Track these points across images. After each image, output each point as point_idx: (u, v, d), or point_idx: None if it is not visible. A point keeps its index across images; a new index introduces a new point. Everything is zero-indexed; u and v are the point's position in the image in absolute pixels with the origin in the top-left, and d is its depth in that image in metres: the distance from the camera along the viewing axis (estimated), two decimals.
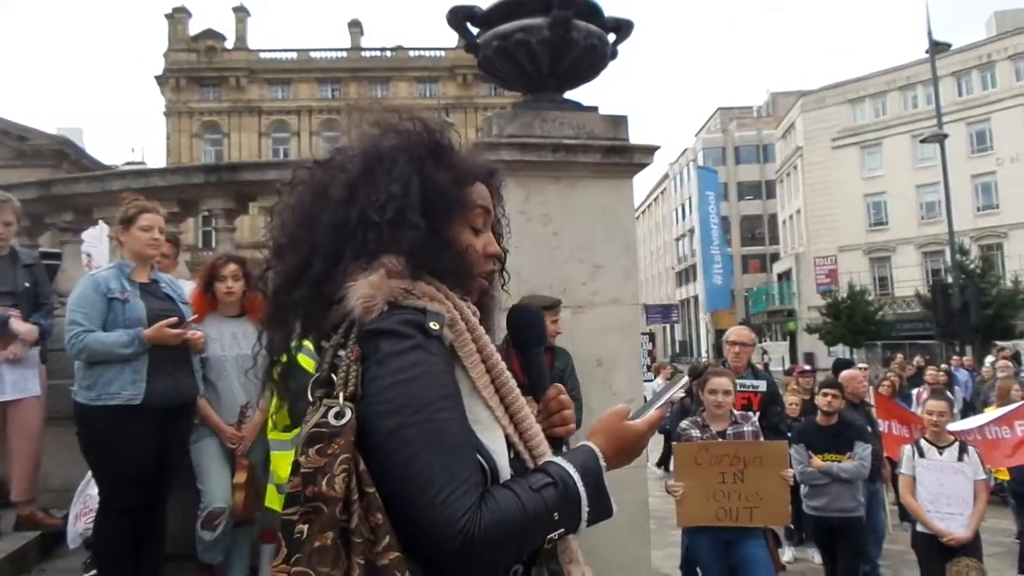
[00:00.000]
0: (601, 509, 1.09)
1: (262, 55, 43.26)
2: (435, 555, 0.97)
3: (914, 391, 9.42)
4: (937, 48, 21.17)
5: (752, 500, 3.70)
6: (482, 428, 1.09)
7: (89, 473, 3.60)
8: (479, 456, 1.06)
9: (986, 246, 37.24)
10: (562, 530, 1.06)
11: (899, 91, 42.17)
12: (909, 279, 38.34)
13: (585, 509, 1.07)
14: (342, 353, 1.07)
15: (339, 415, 1.01)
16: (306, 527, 0.96)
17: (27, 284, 3.93)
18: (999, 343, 20.43)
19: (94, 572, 3.52)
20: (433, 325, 1.06)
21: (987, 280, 28.74)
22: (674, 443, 4.00)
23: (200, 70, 41.86)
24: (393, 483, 0.99)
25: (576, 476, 1.07)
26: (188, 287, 4.15)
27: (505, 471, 1.08)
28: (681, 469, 3.87)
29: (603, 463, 1.12)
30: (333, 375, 1.06)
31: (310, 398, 1.08)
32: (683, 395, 6.18)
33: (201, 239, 33.10)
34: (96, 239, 7.70)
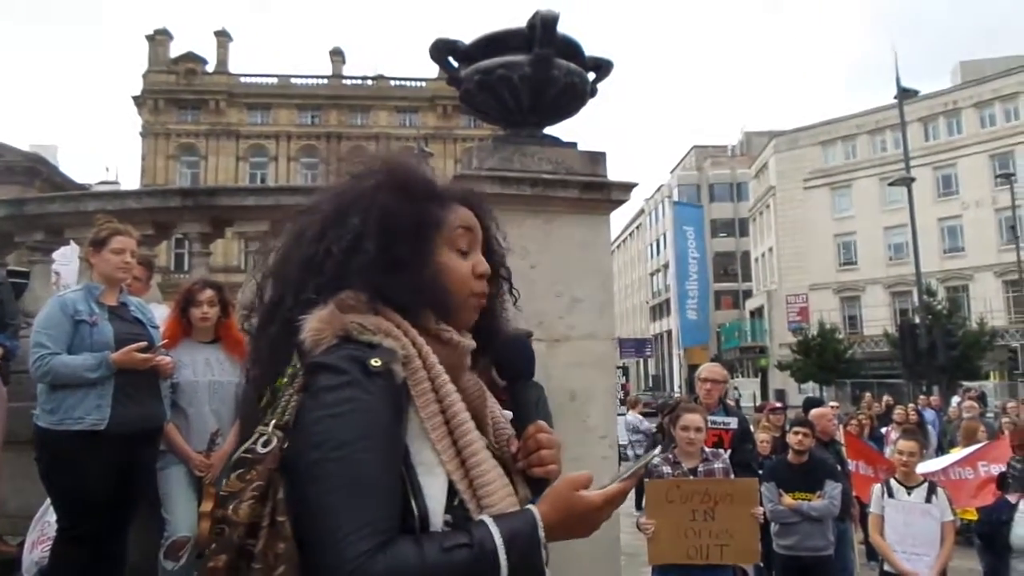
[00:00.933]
0: None
1: (243, 79, 43.23)
2: None
3: (883, 429, 9.53)
4: (905, 94, 21.88)
5: (723, 538, 3.70)
6: (425, 471, 1.07)
7: (48, 500, 3.50)
8: (413, 500, 1.04)
9: (952, 288, 38.06)
10: None
11: (868, 135, 43.34)
12: (878, 318, 39.02)
13: None
14: (295, 383, 1.09)
15: (265, 442, 1.03)
16: (213, 546, 0.99)
17: None
18: (965, 383, 20.82)
19: None
20: (374, 362, 1.05)
21: (953, 321, 29.31)
22: (646, 480, 4.00)
23: (179, 92, 41.69)
24: (303, 515, 0.99)
25: (499, 542, 1.00)
26: (160, 311, 4.10)
27: (437, 518, 1.05)
28: (652, 506, 3.86)
29: (542, 533, 1.05)
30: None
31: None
32: (654, 431, 6.19)
33: (174, 261, 32.71)
34: (66, 258, 7.58)
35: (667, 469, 3.99)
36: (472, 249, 1.23)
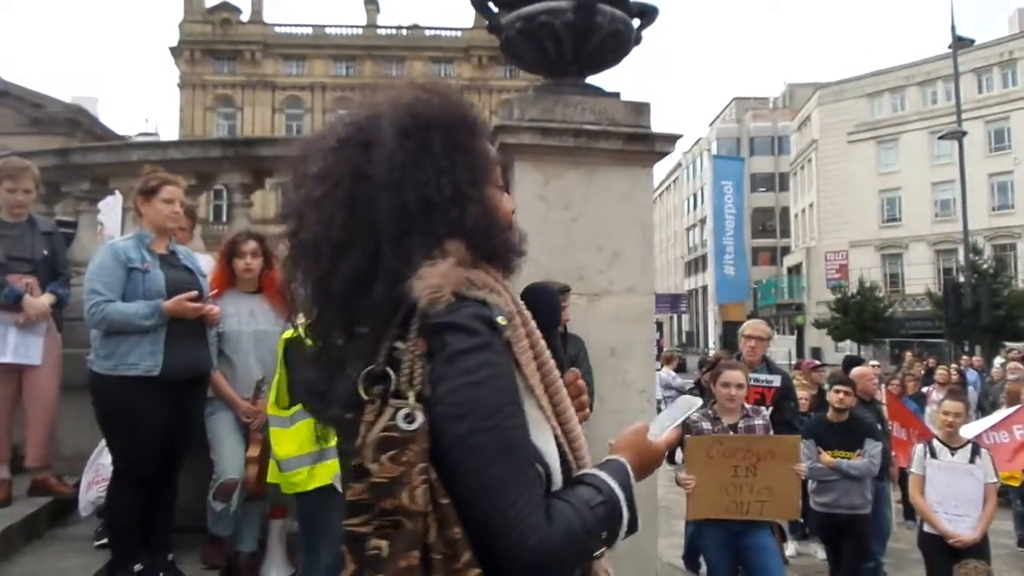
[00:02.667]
0: (634, 525, 1.06)
1: (277, 30, 43.05)
2: (506, 570, 0.92)
3: (924, 389, 9.39)
4: (960, 44, 20.91)
5: (763, 494, 3.70)
6: (534, 428, 1.01)
7: (103, 442, 3.62)
8: (537, 459, 1.01)
9: (1000, 246, 36.95)
10: (605, 546, 1.03)
11: (918, 86, 41.69)
12: (920, 277, 38.13)
13: (625, 527, 1.04)
14: (401, 346, 0.98)
15: (409, 418, 0.93)
16: (386, 543, 0.90)
17: (45, 252, 3.93)
18: (1008, 344, 20.34)
19: (105, 540, 3.56)
20: (500, 320, 0.99)
21: (999, 280, 28.53)
22: (687, 436, 3.99)
23: (215, 43, 41.70)
24: (463, 494, 0.92)
25: (621, 495, 1.04)
26: (205, 260, 4.16)
27: (558, 476, 1.03)
28: (694, 462, 3.86)
29: (633, 479, 1.10)
30: (390, 370, 0.97)
31: (363, 394, 0.97)
32: (691, 387, 6.17)
33: (212, 212, 33.19)
34: (108, 208, 7.71)
35: (707, 425, 3.97)
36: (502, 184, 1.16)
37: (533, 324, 1.09)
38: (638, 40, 4.44)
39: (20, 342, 3.76)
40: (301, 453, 3.10)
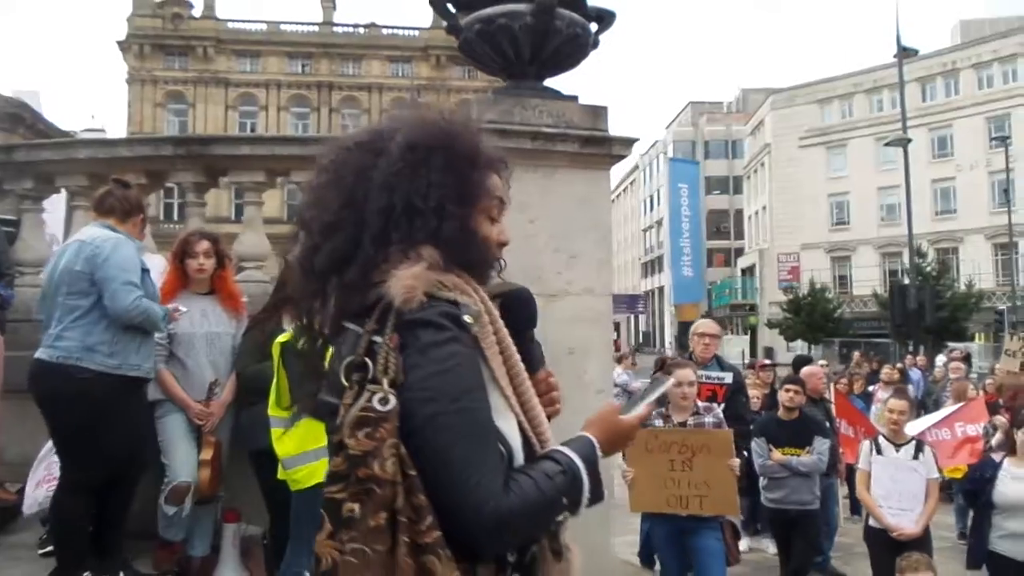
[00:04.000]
0: (597, 494, 1.19)
1: (231, 25, 42.20)
2: (466, 534, 1.05)
3: (871, 388, 9.68)
4: (905, 53, 21.61)
5: (701, 488, 3.77)
6: (498, 415, 1.15)
7: (49, 442, 3.52)
8: (499, 441, 1.14)
9: (942, 249, 38.24)
10: (567, 512, 1.16)
11: (865, 94, 42.93)
12: (867, 279, 39.23)
13: (587, 494, 1.17)
14: (378, 339, 1.11)
15: (384, 401, 1.06)
16: (358, 506, 1.02)
17: None
18: (951, 344, 21.07)
19: (49, 548, 3.46)
20: (467, 318, 1.13)
21: (942, 283, 29.50)
22: None
23: (165, 37, 40.70)
24: (429, 466, 1.06)
25: (580, 465, 1.17)
26: (156, 260, 4.07)
27: (519, 455, 1.17)
28: (632, 454, 3.92)
29: (599, 452, 1.22)
30: (368, 360, 1.10)
31: (344, 381, 1.11)
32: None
33: (163, 211, 32.38)
34: (53, 205, 7.46)
35: (659, 423, 4.04)
36: (498, 217, 1.30)
37: (500, 323, 1.21)
38: (596, 44, 4.50)
39: None
40: (301, 451, 3.07)
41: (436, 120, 1.25)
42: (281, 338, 3.19)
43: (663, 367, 4.49)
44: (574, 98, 4.33)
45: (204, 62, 40.88)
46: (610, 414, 1.30)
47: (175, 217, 28.62)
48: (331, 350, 1.24)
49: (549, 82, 4.44)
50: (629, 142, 4.26)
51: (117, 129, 40.90)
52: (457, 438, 1.06)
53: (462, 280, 1.19)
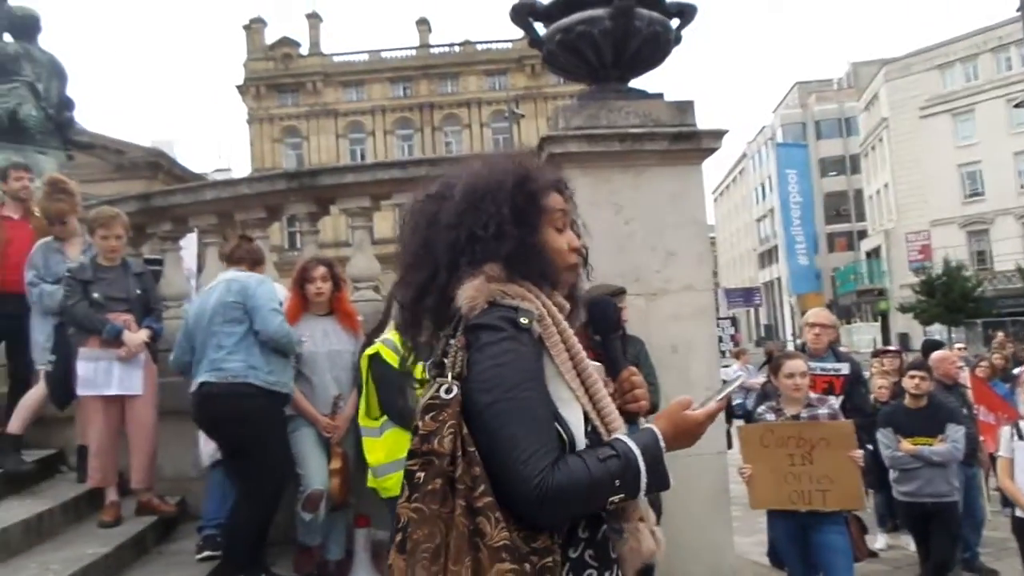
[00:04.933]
0: (659, 481, 1.30)
1: (335, 59, 44.36)
2: (517, 503, 1.21)
3: (1016, 370, 8.94)
4: None
5: (823, 483, 3.63)
6: (564, 405, 1.32)
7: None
8: (560, 428, 1.29)
9: None
10: (622, 495, 1.27)
11: (991, 53, 39.52)
12: (1010, 252, 36.04)
13: (643, 479, 1.27)
14: (452, 342, 1.32)
15: (448, 390, 1.27)
16: (423, 474, 1.24)
17: (138, 291, 4.26)
18: None
19: (207, 554, 3.82)
20: (523, 320, 1.30)
21: None
22: (740, 426, 3.97)
23: (278, 77, 43.32)
24: (487, 444, 1.24)
25: (637, 452, 1.28)
26: (278, 289, 4.41)
27: (581, 441, 1.31)
28: (748, 451, 3.85)
29: (663, 444, 1.32)
30: (444, 359, 1.32)
31: (428, 376, 1.35)
32: (765, 380, 6.11)
33: (287, 240, 34.38)
34: (187, 242, 8.13)
35: (771, 416, 3.95)
36: (566, 227, 1.45)
37: (565, 324, 1.38)
38: (678, 40, 4.47)
39: (123, 375, 4.09)
40: (391, 460, 3.24)
41: (489, 164, 1.46)
42: (369, 351, 3.40)
43: (771, 359, 4.38)
44: (659, 96, 4.32)
45: (314, 96, 43.19)
46: (676, 408, 1.38)
47: (298, 245, 30.31)
48: (421, 364, 1.45)
49: (635, 82, 4.45)
50: (719, 134, 4.21)
51: (243, 166, 43.84)
52: (509, 421, 1.23)
53: (524, 288, 1.36)
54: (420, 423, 1.28)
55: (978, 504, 5.96)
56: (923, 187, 40.93)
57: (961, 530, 5.23)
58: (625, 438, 1.31)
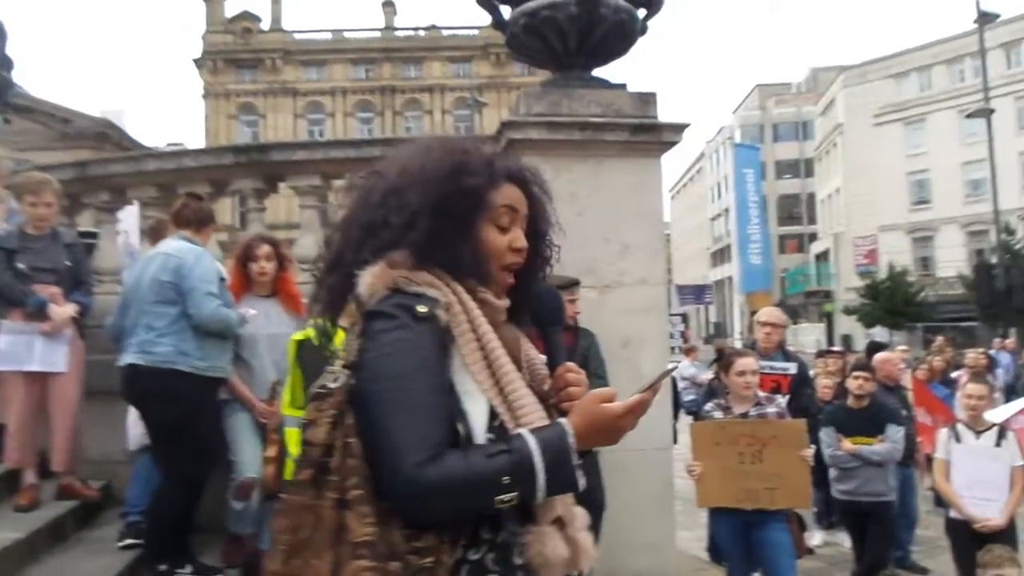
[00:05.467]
0: (564, 481, 1.21)
1: (297, 36, 43.45)
2: (388, 496, 1.17)
3: (953, 374, 9.21)
4: (985, 18, 20.42)
5: (772, 481, 3.64)
6: (468, 397, 1.25)
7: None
8: (460, 423, 1.23)
9: None
10: (513, 494, 1.18)
11: (945, 64, 40.75)
12: (952, 259, 37.32)
13: (541, 478, 1.18)
14: (355, 329, 1.28)
15: (335, 379, 1.23)
16: (299, 463, 1.22)
17: (68, 263, 4.03)
18: None
19: (128, 542, 3.65)
20: (420, 308, 1.23)
21: None
22: (691, 423, 3.96)
23: (237, 52, 42.23)
24: (368, 436, 1.19)
25: (534, 448, 1.18)
26: (220, 268, 4.24)
27: (480, 436, 1.24)
28: (699, 448, 3.83)
29: (571, 440, 1.21)
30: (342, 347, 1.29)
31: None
32: (711, 377, 6.15)
33: (239, 220, 33.59)
34: (131, 217, 7.80)
35: (719, 414, 3.94)
36: (513, 225, 1.36)
37: (477, 314, 1.29)
38: (644, 30, 4.42)
39: (46, 350, 3.85)
40: None
41: (432, 148, 1.38)
42: (297, 335, 3.29)
43: (722, 357, 4.37)
44: (622, 86, 4.27)
45: (273, 73, 42.23)
46: (593, 401, 1.26)
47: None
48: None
49: (599, 71, 4.39)
50: (680, 128, 4.17)
51: (197, 142, 42.72)
52: (390, 412, 1.18)
53: (433, 276, 1.29)
54: (306, 411, 1.26)
55: (912, 504, 6.09)
56: (873, 193, 42.05)
57: (895, 529, 5.34)
58: (526, 433, 1.21)
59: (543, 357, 1.44)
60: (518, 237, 1.36)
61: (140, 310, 3.54)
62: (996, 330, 18.04)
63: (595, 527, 3.19)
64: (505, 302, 1.37)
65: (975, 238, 38.47)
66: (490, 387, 1.26)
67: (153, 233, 4.35)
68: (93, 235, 5.26)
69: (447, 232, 1.31)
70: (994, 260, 20.92)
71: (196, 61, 42.41)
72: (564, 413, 1.32)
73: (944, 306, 34.64)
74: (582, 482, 1.21)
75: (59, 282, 3.96)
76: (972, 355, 9.86)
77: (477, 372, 1.26)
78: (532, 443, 1.19)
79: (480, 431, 1.24)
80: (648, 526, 3.95)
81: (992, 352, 11.68)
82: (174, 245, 3.67)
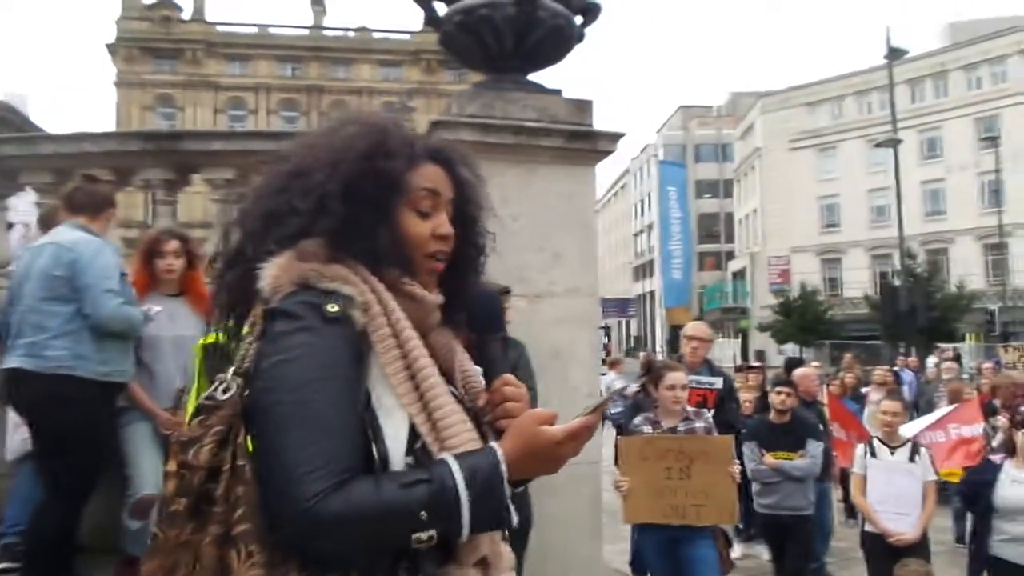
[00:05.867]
0: (494, 516, 1.04)
1: (220, 28, 41.99)
2: (282, 527, 0.98)
3: (863, 390, 9.56)
4: (895, 54, 21.59)
5: (698, 498, 3.61)
6: (385, 414, 1.07)
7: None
8: (374, 443, 1.05)
9: (933, 251, 38.35)
10: (434, 531, 0.99)
11: (855, 96, 43.10)
12: (858, 280, 39.35)
13: (466, 513, 1.00)
14: (248, 328, 1.11)
15: (225, 389, 1.05)
16: (172, 488, 1.02)
17: None
18: (941, 345, 21.05)
19: (5, 566, 3.29)
20: (330, 308, 1.06)
21: (933, 284, 29.55)
22: (619, 437, 3.91)
23: (155, 41, 40.42)
24: (261, 457, 1.00)
25: (459, 477, 1.01)
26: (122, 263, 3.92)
27: (398, 459, 1.06)
28: (627, 463, 3.77)
29: (503, 468, 1.04)
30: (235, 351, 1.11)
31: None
32: (637, 390, 6.13)
33: (151, 215, 32.15)
34: (31, 207, 7.22)
35: (648, 428, 3.90)
36: (435, 210, 1.21)
37: (399, 316, 1.12)
38: (581, 37, 4.37)
39: None
40: None
41: (343, 126, 1.23)
42: (205, 339, 3.05)
43: (650, 370, 4.34)
44: (558, 92, 4.20)
45: (193, 65, 40.62)
46: (530, 423, 1.09)
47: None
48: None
49: (534, 76, 4.31)
50: (615, 137, 4.12)
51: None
52: (288, 428, 0.98)
53: (349, 270, 1.12)
54: (186, 428, 1.06)
55: (827, 517, 6.25)
56: (787, 215, 43.93)
57: (813, 542, 5.44)
58: (450, 459, 1.03)
59: (479, 368, 1.27)
60: (442, 223, 1.21)
61: (28, 307, 3.16)
62: (898, 348, 18.99)
63: (522, 543, 3.07)
64: (437, 297, 1.21)
65: (879, 261, 40.70)
66: (412, 402, 1.08)
67: (45, 221, 3.96)
68: None
69: (362, 218, 1.14)
70: (898, 283, 22.03)
71: (109, 47, 40.33)
72: (501, 433, 1.15)
73: (850, 324, 36.42)
74: (514, 519, 1.04)
75: None
76: (879, 372, 10.27)
77: (397, 384, 1.08)
78: (456, 471, 1.01)
79: (398, 454, 1.06)
80: (575, 543, 3.85)
81: (896, 369, 12.22)
82: (68, 236, 3.26)
